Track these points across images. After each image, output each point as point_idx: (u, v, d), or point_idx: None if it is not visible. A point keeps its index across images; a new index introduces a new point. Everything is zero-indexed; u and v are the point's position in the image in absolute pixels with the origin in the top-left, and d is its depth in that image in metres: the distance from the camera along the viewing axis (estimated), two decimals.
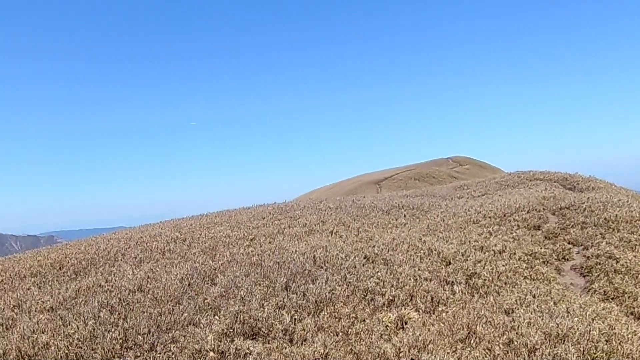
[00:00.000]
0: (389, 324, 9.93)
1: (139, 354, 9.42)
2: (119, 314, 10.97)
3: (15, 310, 12.28)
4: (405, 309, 10.56)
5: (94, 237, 23.07)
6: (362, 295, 11.16)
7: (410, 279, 11.92)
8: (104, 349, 9.51)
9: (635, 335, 9.17)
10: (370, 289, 11.40)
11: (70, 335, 10.07)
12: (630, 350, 8.46)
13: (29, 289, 14.25)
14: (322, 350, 8.95)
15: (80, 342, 9.80)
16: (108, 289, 13.04)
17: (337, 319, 10.13)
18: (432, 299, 11.08)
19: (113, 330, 10.11)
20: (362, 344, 9.17)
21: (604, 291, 12.31)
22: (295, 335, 9.62)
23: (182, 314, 10.66)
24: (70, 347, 9.66)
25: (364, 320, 10.13)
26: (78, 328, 10.32)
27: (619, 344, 8.66)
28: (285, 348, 9.22)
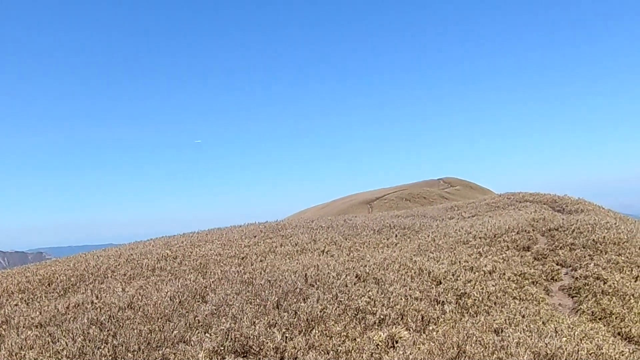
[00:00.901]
0: (380, 343, 9.97)
1: None
2: (108, 330, 10.91)
3: (4, 327, 12.16)
4: (396, 327, 10.61)
5: (84, 254, 22.88)
6: (354, 314, 11.19)
7: (401, 298, 11.98)
8: None
9: (622, 355, 9.31)
10: (361, 307, 11.44)
11: (59, 352, 10.00)
12: None
13: (16, 305, 14.12)
14: None
15: (68, 359, 9.73)
16: (98, 305, 12.94)
17: (328, 338, 10.15)
18: (422, 318, 11.14)
19: (102, 347, 10.05)
20: None
21: (592, 312, 12.46)
22: (287, 354, 9.62)
23: (173, 332, 10.63)
24: None
25: (355, 339, 10.15)
26: (67, 345, 10.25)
27: None
28: None
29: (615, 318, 11.96)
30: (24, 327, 11.96)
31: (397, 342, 10.05)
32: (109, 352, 9.85)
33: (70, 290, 15.66)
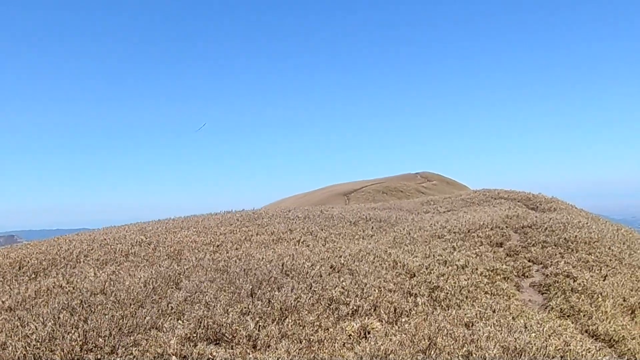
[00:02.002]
0: (352, 333, 10.04)
1: (99, 356, 9.26)
2: (79, 315, 10.76)
3: None
4: (368, 318, 10.69)
5: (56, 238, 22.54)
6: (327, 304, 11.24)
7: (374, 290, 12.07)
8: (63, 351, 9.32)
9: (589, 352, 9.47)
10: (335, 298, 11.49)
11: (29, 336, 9.83)
12: None
13: None
14: (285, 357, 8.99)
15: (38, 343, 9.57)
16: (69, 290, 12.79)
17: (301, 327, 10.19)
18: (395, 309, 11.25)
19: (73, 332, 9.89)
20: (325, 352, 9.25)
21: (561, 309, 12.67)
22: (259, 342, 9.63)
23: (145, 318, 10.53)
24: (28, 348, 9.43)
25: (328, 329, 10.20)
26: (37, 329, 10.09)
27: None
28: (249, 354, 9.22)
29: (583, 316, 12.17)
30: None
31: (369, 332, 10.13)
32: (79, 337, 9.70)
33: (41, 274, 15.45)
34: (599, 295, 13.25)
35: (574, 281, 14.14)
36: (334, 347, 9.47)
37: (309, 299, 11.36)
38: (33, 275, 15.30)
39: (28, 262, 16.70)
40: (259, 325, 10.16)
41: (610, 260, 16.32)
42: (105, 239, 19.75)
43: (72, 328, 10.10)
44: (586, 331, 11.51)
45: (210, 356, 9.22)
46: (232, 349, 9.48)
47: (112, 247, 18.10)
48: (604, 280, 14.53)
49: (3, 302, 12.27)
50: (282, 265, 13.71)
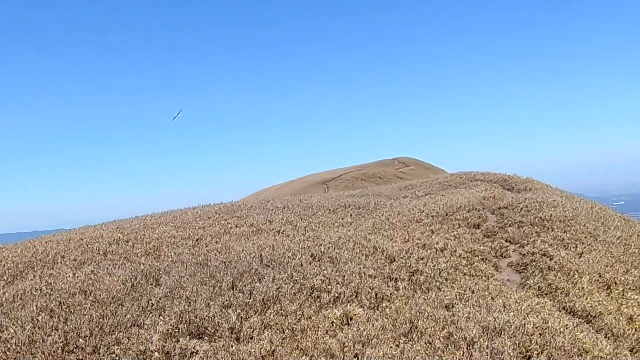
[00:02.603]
0: (335, 320, 10.10)
1: (81, 356, 9.21)
2: (59, 317, 10.66)
3: None
4: (350, 305, 10.76)
5: (32, 240, 22.18)
6: (309, 293, 11.29)
7: (355, 276, 12.15)
8: (44, 353, 9.24)
9: (567, 328, 9.65)
10: (316, 286, 11.54)
11: (8, 341, 9.72)
12: (562, 342, 8.90)
13: None
14: (268, 347, 9.02)
15: (18, 347, 9.48)
16: (47, 292, 12.60)
17: (283, 317, 10.22)
18: (376, 295, 11.35)
19: (53, 334, 9.80)
20: (308, 340, 9.30)
21: (539, 287, 12.88)
22: (242, 334, 9.64)
23: (126, 316, 10.48)
24: (7, 353, 9.35)
25: (310, 317, 10.25)
26: (15, 333, 9.97)
27: (552, 337, 9.09)
28: (232, 346, 9.22)
29: (561, 293, 12.39)
30: None
31: (351, 319, 10.21)
32: (59, 338, 9.62)
33: (18, 277, 15.19)
34: (575, 272, 13.51)
35: (551, 259, 14.37)
36: (317, 334, 9.52)
37: (291, 288, 11.39)
38: (10, 279, 15.02)
39: (4, 265, 16.39)
40: (241, 317, 10.16)
41: (585, 237, 16.62)
42: (82, 239, 19.47)
43: (52, 330, 10.00)
44: (564, 308, 11.72)
45: (193, 350, 9.21)
46: (214, 342, 9.48)
47: (90, 246, 17.85)
48: (579, 258, 14.82)
49: None
50: (262, 256, 13.70)
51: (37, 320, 10.53)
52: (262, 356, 8.84)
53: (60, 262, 16.21)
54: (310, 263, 13.19)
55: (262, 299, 10.87)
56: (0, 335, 9.99)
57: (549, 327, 9.51)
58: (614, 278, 13.77)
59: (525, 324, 9.45)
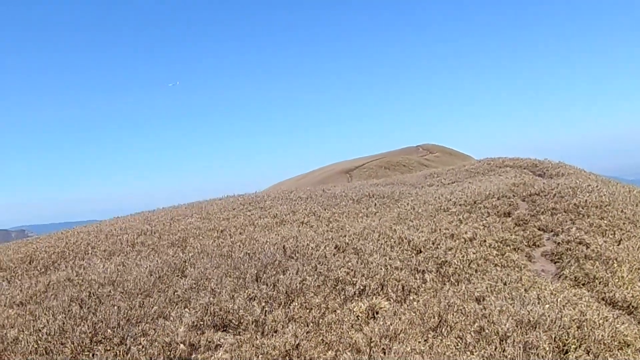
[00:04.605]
0: (360, 314, 9.89)
1: (108, 347, 9.30)
2: (88, 307, 10.84)
3: None
4: (376, 298, 10.54)
5: (64, 231, 22.75)
6: (333, 285, 11.10)
7: (381, 268, 11.89)
8: (73, 343, 9.37)
9: (606, 321, 9.19)
10: (341, 278, 11.33)
11: (40, 330, 9.93)
12: (602, 336, 8.52)
13: None
14: (293, 341, 8.88)
15: (49, 337, 9.66)
16: (78, 282, 12.90)
17: (307, 310, 10.07)
18: (403, 288, 11.07)
19: (82, 324, 9.97)
20: (333, 334, 9.13)
21: (575, 277, 12.32)
22: (266, 327, 9.55)
23: (152, 307, 10.54)
24: (39, 342, 9.52)
25: (335, 311, 10.07)
26: (48, 322, 10.20)
27: (591, 330, 8.71)
28: (257, 339, 9.15)
29: (599, 283, 11.83)
30: (5, 305, 11.92)
31: (377, 312, 9.98)
32: (88, 328, 9.77)
33: (51, 267, 15.62)
34: (614, 261, 12.85)
35: (587, 248, 13.79)
36: (342, 328, 9.34)
37: (315, 280, 11.22)
38: (43, 269, 15.47)
39: (38, 256, 16.94)
40: (265, 310, 10.06)
41: (623, 223, 15.90)
42: (111, 230, 19.86)
43: (82, 320, 10.17)
44: (602, 299, 11.13)
45: (218, 343, 9.20)
46: (239, 334, 9.43)
47: (119, 237, 18.19)
48: (618, 245, 14.14)
49: (14, 296, 12.40)
50: (286, 247, 13.57)
51: (69, 310, 10.75)
52: (286, 350, 8.70)
53: (91, 253, 16.56)
54: (334, 254, 12.99)
55: (286, 292, 10.74)
56: (34, 325, 10.21)
57: (587, 319, 9.09)
58: None
59: (561, 317, 9.06)
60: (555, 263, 13.78)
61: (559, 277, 12.67)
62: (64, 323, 10.07)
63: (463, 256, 13.07)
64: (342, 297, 10.61)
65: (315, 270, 11.80)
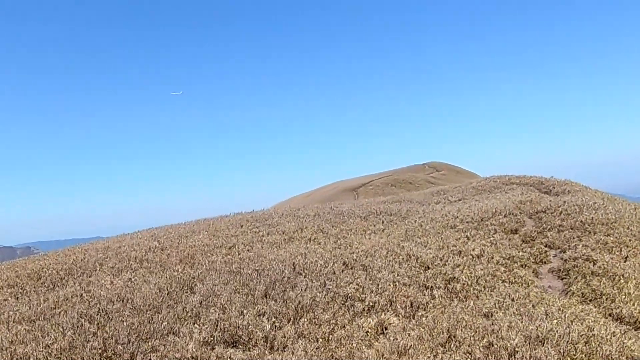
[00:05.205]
0: (370, 330, 9.95)
1: None
2: (98, 323, 10.87)
3: None
4: (385, 314, 10.60)
5: (71, 248, 22.77)
6: (342, 302, 11.17)
7: (389, 285, 11.96)
8: (83, 359, 9.37)
9: (613, 336, 9.27)
10: (349, 295, 11.41)
11: (49, 346, 9.93)
12: (610, 351, 8.57)
13: (6, 300, 14.09)
14: (302, 357, 8.94)
15: (59, 353, 9.67)
16: (87, 299, 12.91)
17: (317, 326, 10.13)
18: (411, 304, 11.14)
19: (92, 340, 9.99)
20: (342, 350, 9.19)
21: (582, 293, 12.42)
22: (276, 342, 9.60)
23: (162, 323, 10.57)
24: (49, 358, 9.54)
25: (344, 327, 10.14)
26: (57, 339, 10.19)
27: (598, 345, 8.77)
28: (266, 355, 9.21)
29: (606, 299, 11.92)
30: (14, 321, 11.88)
31: (386, 328, 10.04)
32: (98, 344, 9.79)
33: (59, 284, 15.60)
34: (621, 277, 12.93)
35: (594, 264, 13.86)
36: (352, 344, 9.40)
37: (324, 297, 11.30)
38: (51, 286, 15.44)
39: (45, 272, 16.91)
40: (275, 326, 10.13)
41: (629, 240, 15.95)
42: (119, 247, 19.88)
43: (92, 336, 10.20)
44: (610, 315, 11.23)
45: (228, 359, 9.20)
46: (249, 350, 9.48)
47: (127, 254, 18.20)
48: (625, 262, 14.19)
49: (23, 313, 12.39)
50: (295, 264, 13.66)
51: (78, 326, 10.76)
52: None
53: (99, 270, 16.55)
54: (342, 271, 13.07)
55: (295, 308, 10.80)
56: (43, 341, 10.20)
57: (594, 334, 9.15)
58: None
59: (569, 332, 9.12)
60: (562, 279, 13.83)
61: (566, 293, 12.72)
62: (73, 339, 10.08)
63: (471, 272, 13.14)
64: (351, 313, 10.68)
65: (324, 286, 11.88)
